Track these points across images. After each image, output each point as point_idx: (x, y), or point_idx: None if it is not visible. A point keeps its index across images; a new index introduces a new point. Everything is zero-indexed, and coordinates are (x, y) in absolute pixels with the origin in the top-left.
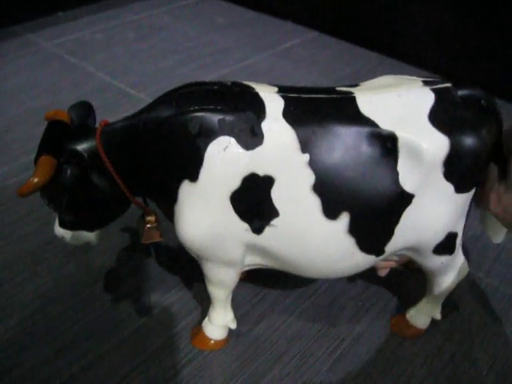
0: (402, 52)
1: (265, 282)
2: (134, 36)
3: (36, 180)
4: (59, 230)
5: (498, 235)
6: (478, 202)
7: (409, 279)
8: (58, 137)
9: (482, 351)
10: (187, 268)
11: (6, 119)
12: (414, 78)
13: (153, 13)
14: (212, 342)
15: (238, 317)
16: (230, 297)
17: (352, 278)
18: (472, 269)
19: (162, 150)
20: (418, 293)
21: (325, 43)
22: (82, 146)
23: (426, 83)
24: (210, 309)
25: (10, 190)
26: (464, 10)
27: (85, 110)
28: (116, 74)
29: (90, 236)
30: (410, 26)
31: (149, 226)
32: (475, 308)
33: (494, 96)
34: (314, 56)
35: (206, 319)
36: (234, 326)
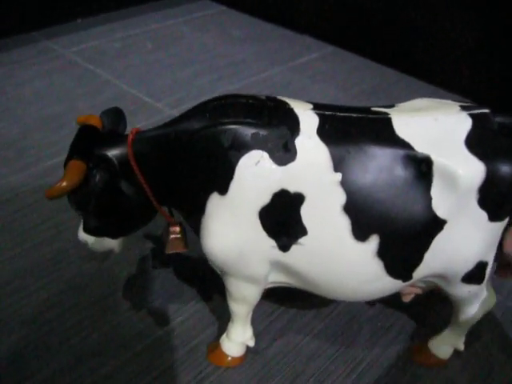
0: (421, 69)
1: (282, 300)
2: (151, 45)
3: (65, 184)
4: (83, 235)
5: None
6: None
7: (429, 301)
8: (88, 142)
9: (501, 377)
10: (206, 281)
11: (23, 125)
12: (451, 101)
13: (171, 23)
14: (229, 358)
15: (255, 334)
16: (251, 314)
17: None
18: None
19: (193, 161)
20: (437, 316)
21: (342, 58)
22: (112, 152)
23: (463, 108)
24: (230, 325)
25: (27, 196)
26: (485, 27)
27: (116, 116)
28: (133, 82)
29: (113, 243)
30: (428, 43)
31: (173, 236)
32: (494, 332)
33: None
34: (331, 71)
35: (225, 335)
36: (252, 343)
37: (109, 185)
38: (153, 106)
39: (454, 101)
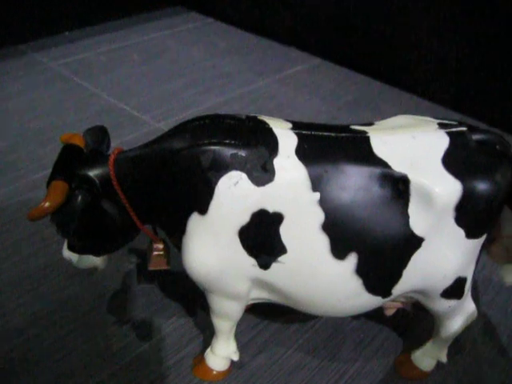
0: (405, 81)
1: (265, 313)
2: (138, 58)
3: (47, 204)
4: (67, 253)
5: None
6: (491, 252)
7: (409, 312)
8: (71, 161)
9: None
10: (190, 295)
11: (10, 138)
12: (430, 119)
13: (157, 35)
14: (214, 372)
15: (239, 347)
16: (234, 329)
17: None
18: (473, 301)
19: (174, 181)
20: (419, 328)
21: (327, 70)
22: (94, 173)
23: (441, 126)
24: (214, 340)
25: (14, 210)
26: (469, 40)
27: (100, 135)
28: (120, 95)
29: (97, 260)
30: (413, 55)
31: (156, 253)
32: (476, 341)
33: (500, 128)
34: (317, 83)
35: (209, 349)
36: (236, 357)
37: (91, 205)
38: (139, 119)
39: (434, 117)
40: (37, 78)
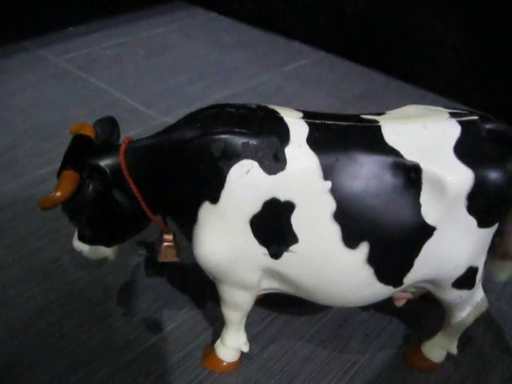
0: (411, 74)
1: (275, 305)
2: (143, 53)
3: (59, 194)
4: (78, 244)
5: (505, 273)
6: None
7: (421, 304)
8: (82, 151)
9: (494, 377)
10: (200, 287)
11: (15, 134)
12: (441, 108)
13: (162, 30)
14: (224, 363)
15: (249, 338)
16: (245, 320)
17: None
18: None
19: (185, 171)
20: (429, 319)
21: (332, 64)
22: (105, 162)
23: (452, 115)
24: (224, 330)
25: (19, 205)
26: (475, 31)
27: (110, 125)
28: (125, 90)
29: (107, 251)
30: (419, 47)
31: (166, 244)
32: (486, 333)
33: (507, 120)
34: (322, 76)
35: (219, 341)
36: (246, 349)
37: (102, 194)
38: (145, 113)
39: (445, 107)
40: (41, 74)
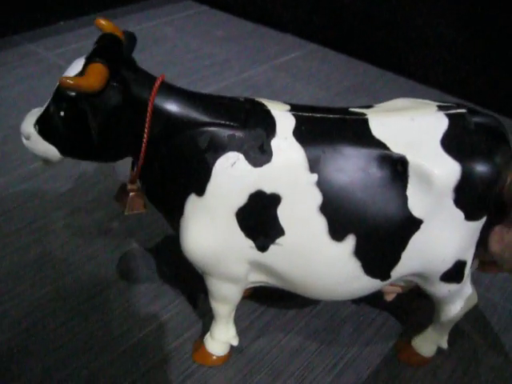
0: (401, 66)
1: (264, 297)
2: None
3: (92, 80)
4: (29, 128)
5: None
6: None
7: (408, 295)
8: (116, 53)
9: (483, 368)
10: (189, 280)
11: (5, 129)
12: (429, 101)
13: (153, 24)
14: (213, 357)
15: (238, 332)
16: (233, 313)
17: None
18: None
19: (171, 163)
20: (419, 312)
21: (324, 56)
22: (136, 85)
23: (440, 108)
24: (213, 324)
25: (9, 201)
26: (465, 23)
27: (132, 42)
28: None
29: (54, 155)
30: (410, 39)
31: (132, 194)
32: (475, 324)
33: (497, 113)
34: (314, 69)
35: (208, 334)
36: (235, 342)
37: (117, 110)
38: None
39: (435, 100)
40: (32, 69)
